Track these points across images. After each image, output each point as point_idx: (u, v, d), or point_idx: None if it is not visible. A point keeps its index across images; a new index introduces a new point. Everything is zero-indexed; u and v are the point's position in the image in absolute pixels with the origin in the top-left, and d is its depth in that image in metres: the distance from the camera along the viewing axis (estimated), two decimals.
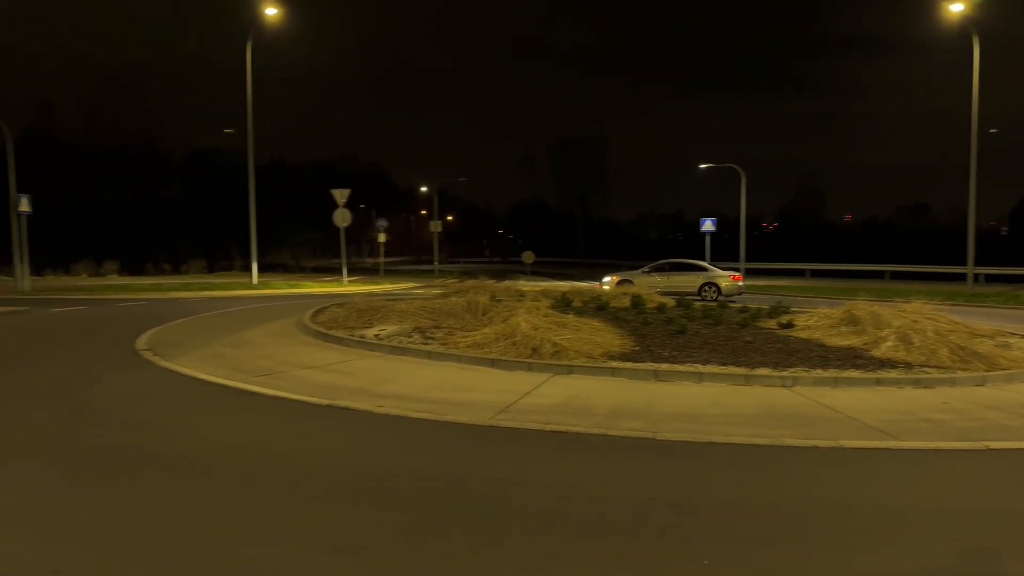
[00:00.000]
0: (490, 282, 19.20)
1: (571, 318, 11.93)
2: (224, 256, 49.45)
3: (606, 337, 10.66)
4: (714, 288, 20.83)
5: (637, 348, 10.11)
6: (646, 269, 22.60)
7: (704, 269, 21.92)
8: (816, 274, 40.21)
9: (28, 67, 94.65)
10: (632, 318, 12.93)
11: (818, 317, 12.26)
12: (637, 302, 14.47)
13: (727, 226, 42.35)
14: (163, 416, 6.92)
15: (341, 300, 17.80)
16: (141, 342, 11.59)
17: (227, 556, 3.82)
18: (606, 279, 22.17)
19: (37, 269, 31.19)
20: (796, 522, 4.39)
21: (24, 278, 25.71)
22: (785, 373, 8.64)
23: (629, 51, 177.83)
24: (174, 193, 59.86)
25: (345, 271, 34.15)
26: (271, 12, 28.01)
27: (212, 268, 45.97)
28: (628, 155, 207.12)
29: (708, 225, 33.89)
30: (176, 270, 45.25)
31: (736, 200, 40.84)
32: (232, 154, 52.09)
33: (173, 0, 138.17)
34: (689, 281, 21.17)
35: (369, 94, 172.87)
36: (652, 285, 20.15)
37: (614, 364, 9.14)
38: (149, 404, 7.47)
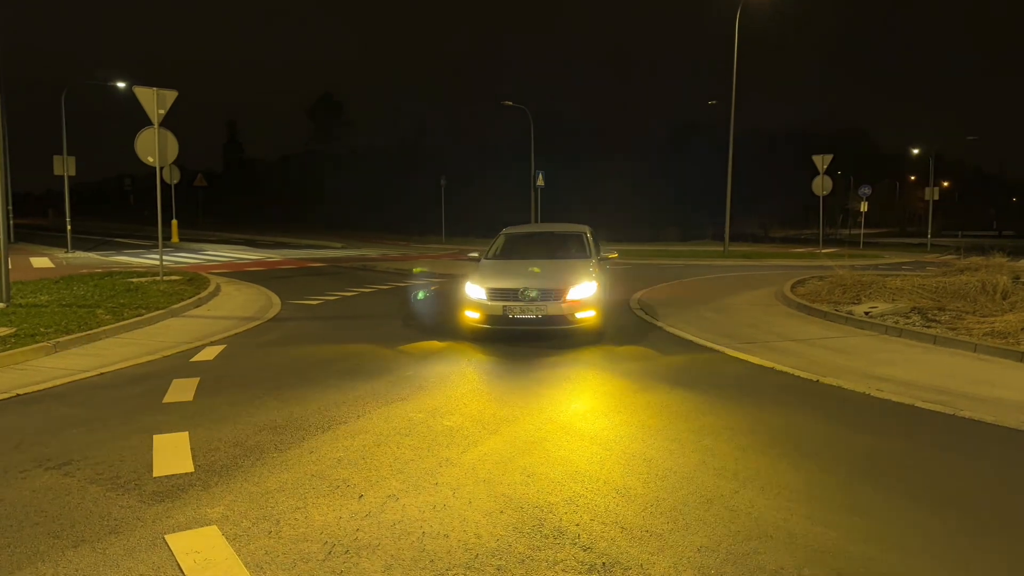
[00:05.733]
0: (1005, 260, 16.03)
1: None
2: (696, 224, 51.36)
3: None
4: None
5: None
6: None
7: None
8: None
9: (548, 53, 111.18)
10: None
11: None
12: None
13: None
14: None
15: (820, 272, 16.91)
16: (632, 302, 12.77)
17: None
18: None
19: None
20: None
21: None
22: None
23: None
24: (654, 166, 64.12)
25: (821, 241, 32.30)
26: None
27: (685, 237, 48.18)
28: None
29: None
30: (655, 238, 48.63)
31: None
32: (712, 127, 53.42)
33: None
34: None
35: (852, 52, 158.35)
36: None
37: None
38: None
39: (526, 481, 4.37)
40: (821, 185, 25.14)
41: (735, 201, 29.73)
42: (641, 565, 3.34)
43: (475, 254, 10.69)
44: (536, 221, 34.48)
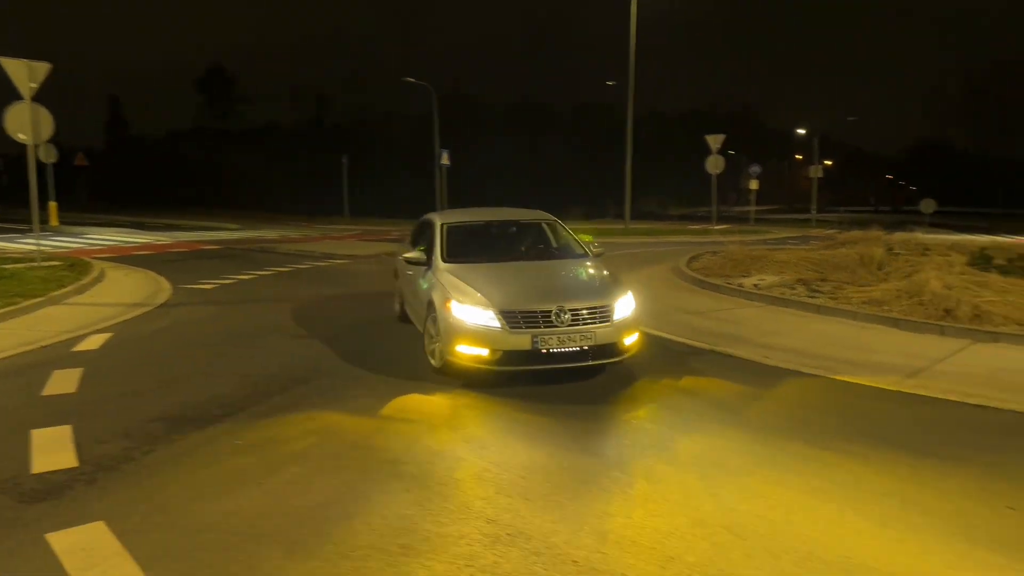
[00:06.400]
0: (881, 233, 17.23)
1: (994, 277, 10.14)
2: (598, 204, 52.38)
3: None
4: None
5: None
6: None
7: None
8: None
9: (445, 38, 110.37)
10: None
11: None
12: None
13: None
14: None
15: (714, 248, 17.63)
16: None
17: None
18: None
19: None
20: None
21: None
22: None
23: None
24: (557, 146, 64.84)
25: (714, 219, 33.65)
26: None
27: (588, 216, 49.08)
28: None
29: None
30: (560, 217, 49.25)
31: None
32: (613, 106, 54.37)
33: None
34: None
35: (739, 35, 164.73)
36: None
37: None
38: None
39: None
40: (713, 164, 26.10)
41: (635, 180, 30.46)
42: None
43: (413, 254, 7.28)
44: (443, 202, 34.21)
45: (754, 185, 41.98)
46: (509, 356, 5.85)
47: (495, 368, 5.93)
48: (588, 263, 7.28)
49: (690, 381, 6.25)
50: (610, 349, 6.06)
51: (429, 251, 7.17)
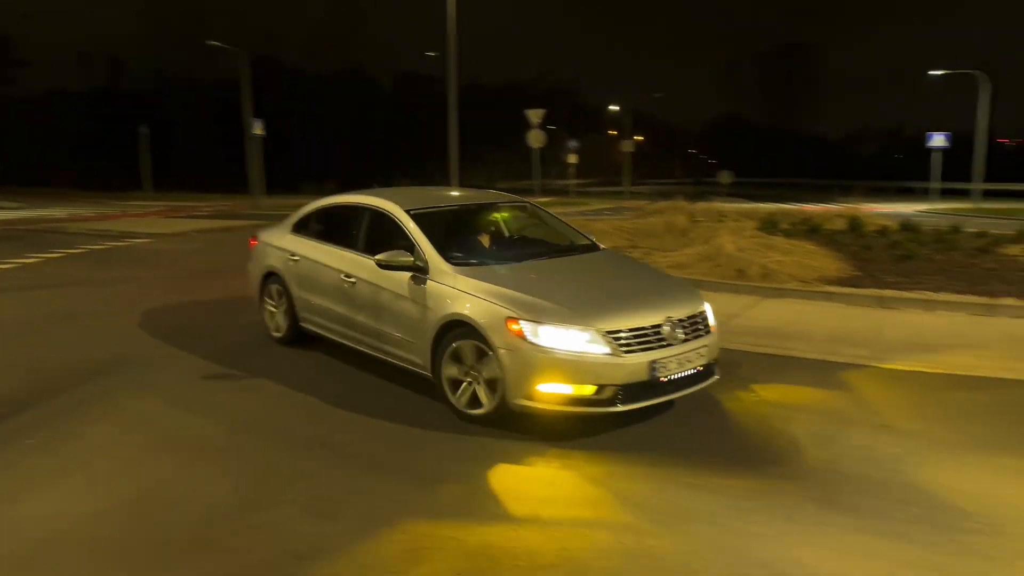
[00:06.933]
0: (686, 203, 18.64)
1: (780, 240, 11.31)
2: (426, 176, 52.12)
3: (820, 261, 9.99)
4: None
5: (857, 273, 9.40)
6: None
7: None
8: None
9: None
10: (850, 242, 11.98)
11: None
12: (856, 225, 13.36)
13: (957, 143, 37.08)
14: None
15: None
16: None
17: None
18: None
19: (268, 188, 34.67)
20: None
21: (259, 196, 28.92)
22: None
23: None
24: (382, 117, 63.49)
25: (536, 192, 34.75)
26: None
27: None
28: (844, 63, 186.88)
29: (938, 140, 30.21)
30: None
31: (969, 114, 35.77)
32: (434, 78, 54.04)
33: None
34: None
35: (558, 10, 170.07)
36: None
37: (830, 289, 8.58)
38: None
39: None
40: (535, 138, 26.85)
41: (461, 153, 30.62)
42: None
43: (394, 257, 5.05)
44: (261, 176, 32.24)
45: (573, 159, 43.76)
46: (624, 393, 4.32)
47: (596, 410, 4.34)
48: (620, 257, 6.06)
49: None
50: (711, 367, 4.84)
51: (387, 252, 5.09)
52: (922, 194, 37.23)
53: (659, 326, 4.50)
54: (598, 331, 4.30)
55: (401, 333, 5.10)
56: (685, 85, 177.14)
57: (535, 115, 26.64)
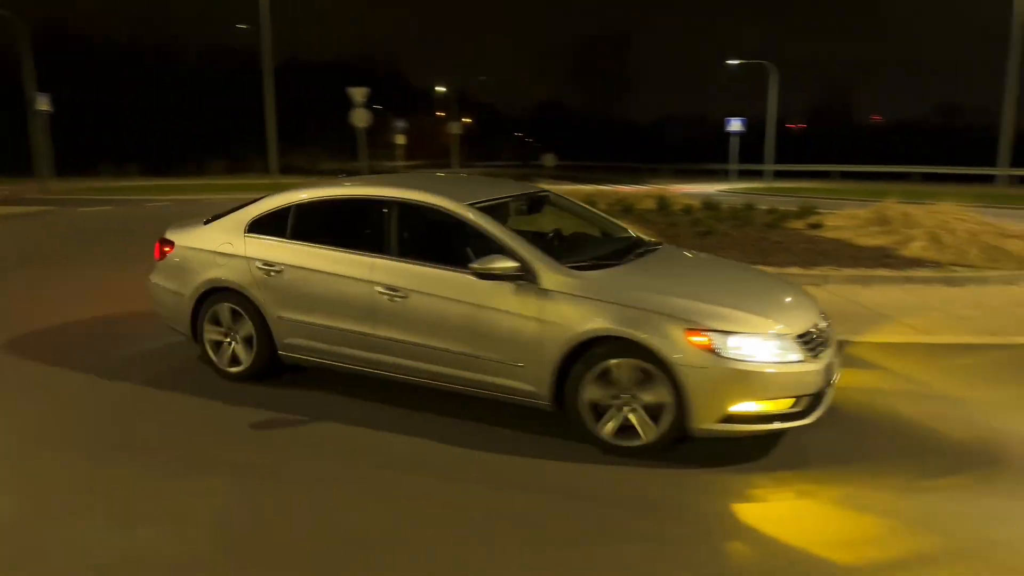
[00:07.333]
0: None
1: None
2: (242, 158, 49.24)
3: None
4: None
5: None
6: None
7: None
8: (845, 176, 39.34)
9: None
10: (659, 220, 12.83)
11: (847, 218, 12.09)
12: (663, 204, 14.34)
13: (752, 129, 41.01)
14: None
15: None
16: None
17: None
18: None
19: (58, 170, 31.19)
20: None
21: (48, 178, 25.87)
22: (815, 271, 8.61)
23: None
24: (189, 93, 59.02)
25: (364, 173, 34.04)
26: None
27: (232, 170, 45.99)
28: (653, 53, 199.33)
29: (735, 125, 33.14)
30: (198, 171, 45.32)
31: (762, 101, 39.58)
32: (247, 52, 50.92)
33: None
34: None
35: None
36: None
37: None
38: None
39: None
40: (359, 117, 26.24)
41: (282, 133, 29.25)
42: None
43: (494, 264, 4.06)
44: (48, 155, 28.81)
45: (401, 140, 43.32)
46: (808, 402, 3.86)
47: (789, 425, 3.86)
48: (700, 254, 5.57)
49: None
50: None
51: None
52: (723, 175, 40.73)
53: (816, 326, 4.13)
54: (791, 337, 3.86)
55: (498, 355, 4.13)
56: (517, 70, 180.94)
57: (359, 93, 26.02)
